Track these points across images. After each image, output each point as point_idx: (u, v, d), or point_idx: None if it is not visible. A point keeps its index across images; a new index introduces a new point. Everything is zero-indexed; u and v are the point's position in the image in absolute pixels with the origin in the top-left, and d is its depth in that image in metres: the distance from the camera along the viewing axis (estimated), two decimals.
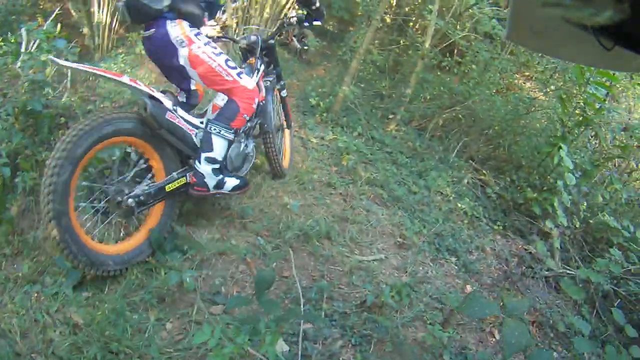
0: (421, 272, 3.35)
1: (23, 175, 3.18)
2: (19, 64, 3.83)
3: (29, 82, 3.71)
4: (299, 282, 2.74)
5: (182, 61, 2.81)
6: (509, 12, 1.09)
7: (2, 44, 4.06)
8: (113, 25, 7.27)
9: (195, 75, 2.87)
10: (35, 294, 2.47)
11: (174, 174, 2.85)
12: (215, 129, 2.86)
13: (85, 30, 7.25)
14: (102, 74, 2.66)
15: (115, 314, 2.35)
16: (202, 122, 2.93)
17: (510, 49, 5.89)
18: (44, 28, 4.18)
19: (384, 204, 4.06)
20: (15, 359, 2.14)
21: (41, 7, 7.59)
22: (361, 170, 4.37)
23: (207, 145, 2.87)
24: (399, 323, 2.69)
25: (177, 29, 2.75)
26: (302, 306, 2.56)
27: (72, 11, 7.31)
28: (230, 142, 2.97)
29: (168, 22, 2.74)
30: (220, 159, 2.92)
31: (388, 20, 7.48)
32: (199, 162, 2.87)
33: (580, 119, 4.74)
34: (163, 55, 2.87)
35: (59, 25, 4.37)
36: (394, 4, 7.62)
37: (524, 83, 6.87)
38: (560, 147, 4.30)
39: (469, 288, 3.33)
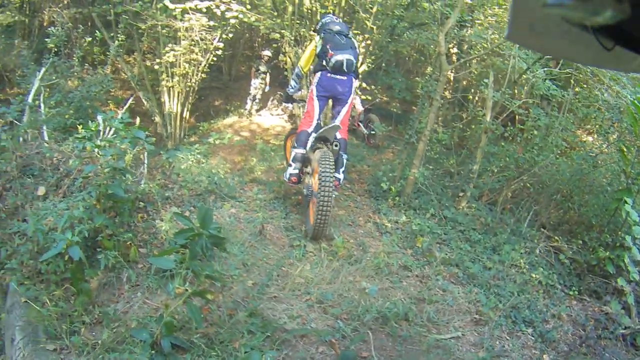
0: (498, 346, 3.54)
1: (106, 253, 3.71)
2: (96, 149, 4.21)
3: (110, 168, 4.17)
4: None
5: None
6: (509, 12, 1.13)
7: (82, 129, 4.53)
8: (184, 115, 8.24)
9: None
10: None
11: None
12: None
13: (157, 118, 8.27)
14: None
15: None
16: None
17: (568, 106, 6.07)
18: (119, 116, 4.73)
19: (460, 282, 4.30)
20: None
21: (112, 94, 8.74)
22: (436, 251, 4.66)
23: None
24: None
25: None
26: None
27: (144, 100, 8.39)
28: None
29: None
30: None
31: (448, 95, 7.89)
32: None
33: None
34: None
35: (129, 115, 4.80)
36: (451, 78, 8.04)
37: (585, 138, 6.89)
38: (625, 201, 4.35)
39: (545, 358, 3.46)
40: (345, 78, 4.90)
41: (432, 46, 7.82)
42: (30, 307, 3.48)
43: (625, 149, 4.92)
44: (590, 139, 6.85)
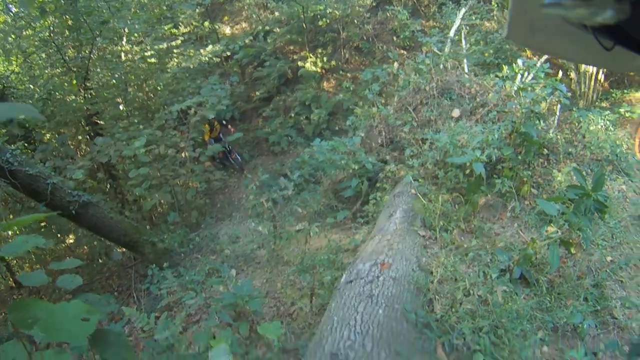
0: None
1: (503, 180, 4.19)
2: (517, 90, 4.64)
3: (527, 109, 4.47)
4: None
5: None
6: (509, 11, 1.12)
7: (505, 69, 4.99)
8: (598, 77, 7.84)
9: None
10: (469, 263, 3.40)
11: None
12: None
13: (573, 75, 8.07)
14: None
15: (517, 315, 3.04)
16: None
17: None
18: (539, 64, 4.92)
19: None
20: None
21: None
22: None
23: None
24: None
25: None
26: None
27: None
28: None
29: None
30: None
31: None
32: None
33: None
34: None
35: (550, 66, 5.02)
36: None
37: None
38: None
39: None
40: None
41: None
42: (417, 199, 4.36)
43: None
44: None
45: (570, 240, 3.83)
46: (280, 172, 8.96)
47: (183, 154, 7.95)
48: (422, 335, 2.96)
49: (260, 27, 12.89)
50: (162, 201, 7.72)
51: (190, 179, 7.98)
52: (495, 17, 7.99)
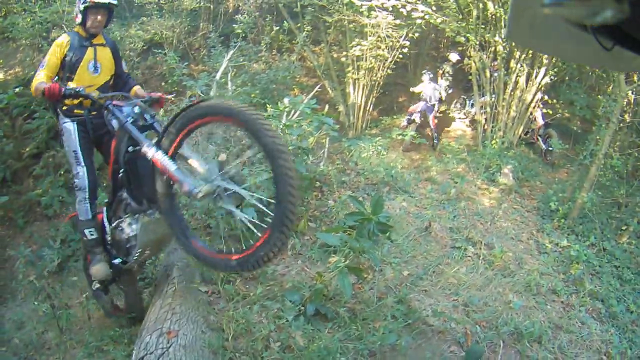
0: None
1: None
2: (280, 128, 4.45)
3: (294, 147, 4.35)
4: None
5: None
6: (509, 11, 1.12)
7: (270, 108, 4.78)
8: (367, 107, 8.60)
9: None
10: (257, 314, 3.17)
11: None
12: None
13: (341, 108, 8.71)
14: None
15: (327, 351, 2.93)
16: None
17: None
18: (305, 101, 4.96)
19: (600, 319, 4.41)
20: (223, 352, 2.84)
21: (297, 80, 9.07)
22: (587, 282, 4.73)
23: None
24: None
25: None
26: None
27: (329, 89, 8.77)
28: None
29: None
30: None
31: (627, 118, 7.36)
32: None
33: None
34: None
35: (316, 102, 5.12)
36: (632, 100, 7.45)
37: None
38: None
39: None
40: None
41: None
42: None
43: None
44: None
45: (360, 266, 3.89)
46: (55, 237, 7.78)
47: None
48: None
49: (33, 73, 11.32)
50: None
51: None
52: (263, 58, 8.36)
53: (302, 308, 3.44)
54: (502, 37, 6.83)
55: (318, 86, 7.41)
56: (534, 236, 5.44)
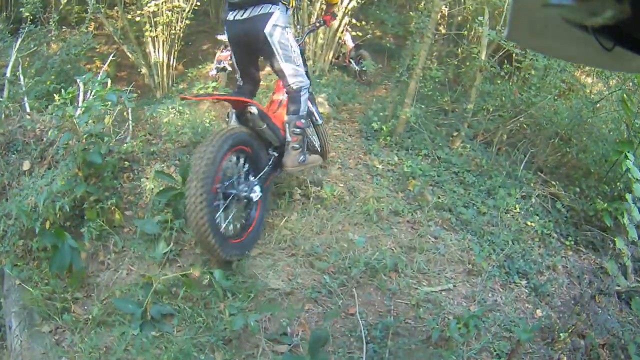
0: (490, 299, 3.36)
1: (89, 225, 3.49)
2: (77, 114, 4.02)
3: (87, 134, 3.91)
4: (363, 320, 2.90)
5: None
6: (509, 11, 1.11)
7: (59, 97, 4.19)
8: (171, 63, 7.88)
9: None
10: (104, 335, 2.77)
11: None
12: None
13: (144, 70, 7.94)
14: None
15: (183, 354, 2.57)
16: None
17: None
18: (100, 75, 4.41)
19: (453, 229, 4.07)
20: None
21: (98, 50, 8.30)
22: (428, 195, 4.39)
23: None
24: (464, 356, 2.75)
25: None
26: (365, 345, 2.71)
27: (128, 53, 8.06)
28: None
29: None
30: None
31: (442, 30, 7.43)
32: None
33: None
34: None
35: (116, 69, 4.52)
36: (446, 14, 7.56)
37: (585, 79, 6.52)
38: (627, 156, 4.11)
39: (539, 313, 3.31)
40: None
41: None
42: (25, 290, 3.27)
43: (627, 98, 4.56)
44: (589, 80, 6.48)
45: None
46: None
47: None
48: None
49: None
50: None
51: None
52: (53, 38, 7.08)
53: (145, 314, 2.89)
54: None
55: (112, 55, 6.47)
56: (362, 160, 4.99)
